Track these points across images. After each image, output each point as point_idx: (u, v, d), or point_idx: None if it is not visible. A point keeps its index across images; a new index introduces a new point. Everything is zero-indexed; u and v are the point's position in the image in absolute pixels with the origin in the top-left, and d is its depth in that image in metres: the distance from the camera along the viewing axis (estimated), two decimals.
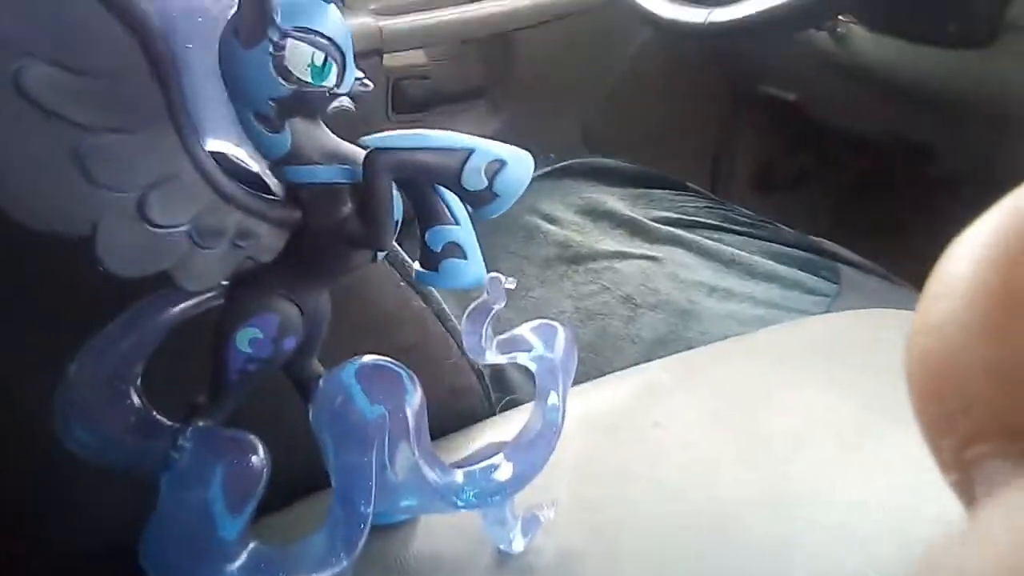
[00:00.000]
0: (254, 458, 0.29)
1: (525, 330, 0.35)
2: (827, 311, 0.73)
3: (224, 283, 0.29)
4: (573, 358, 0.36)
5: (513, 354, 0.34)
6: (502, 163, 0.30)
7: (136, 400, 0.28)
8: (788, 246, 0.81)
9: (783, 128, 1.07)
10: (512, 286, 0.33)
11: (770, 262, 0.78)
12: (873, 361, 0.48)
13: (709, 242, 0.81)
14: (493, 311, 0.33)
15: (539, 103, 0.96)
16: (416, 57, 0.91)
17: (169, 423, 0.29)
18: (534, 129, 0.94)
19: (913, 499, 0.38)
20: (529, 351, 0.35)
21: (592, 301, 0.74)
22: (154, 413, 0.29)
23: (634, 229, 0.82)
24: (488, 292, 0.33)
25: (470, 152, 0.30)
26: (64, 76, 0.24)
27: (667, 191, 0.89)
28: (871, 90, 0.87)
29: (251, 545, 0.30)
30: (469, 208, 0.31)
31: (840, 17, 0.80)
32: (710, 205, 0.87)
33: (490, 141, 0.30)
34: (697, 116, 1.08)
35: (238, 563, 0.29)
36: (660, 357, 0.54)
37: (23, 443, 0.29)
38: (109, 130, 0.25)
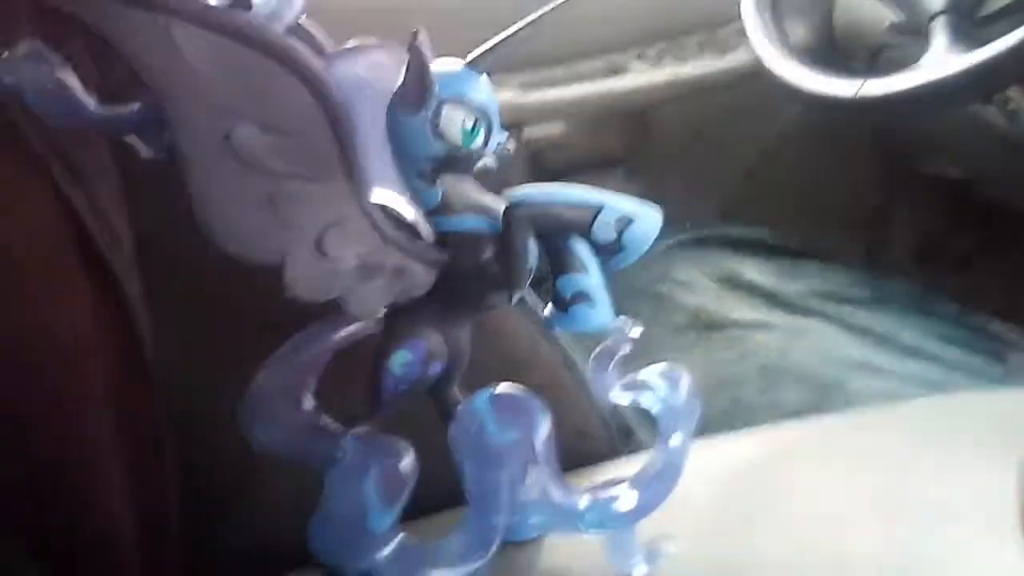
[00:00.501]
0: (405, 461, 0.36)
1: (650, 373, 0.41)
2: None
3: (382, 313, 0.37)
4: (696, 403, 0.41)
5: (637, 394, 0.40)
6: (630, 219, 0.37)
7: (309, 406, 0.36)
8: (949, 324, 0.81)
9: (947, 206, 1.06)
10: (638, 333, 0.39)
11: (928, 340, 0.78)
12: None
13: (859, 317, 0.81)
14: (618, 355, 0.39)
15: (676, 174, 1.01)
16: (555, 128, 1.00)
17: (335, 427, 0.37)
18: (670, 200, 0.99)
19: None
20: (653, 392, 0.40)
21: (726, 371, 0.77)
22: (324, 418, 0.37)
23: (775, 300, 0.84)
24: (614, 337, 0.39)
25: (600, 207, 0.37)
26: (264, 136, 0.31)
27: (814, 263, 0.90)
28: None
29: (400, 536, 0.37)
30: (598, 259, 0.38)
31: (1011, 94, 0.77)
32: (861, 279, 0.88)
33: (620, 197, 0.37)
34: (850, 192, 1.09)
35: (387, 551, 0.36)
36: None
37: (220, 440, 0.37)
38: (296, 179, 0.32)
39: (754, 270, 0.89)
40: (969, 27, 0.71)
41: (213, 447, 0.40)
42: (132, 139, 0.35)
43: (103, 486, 0.41)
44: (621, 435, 0.54)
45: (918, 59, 0.71)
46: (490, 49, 0.36)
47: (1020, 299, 1.03)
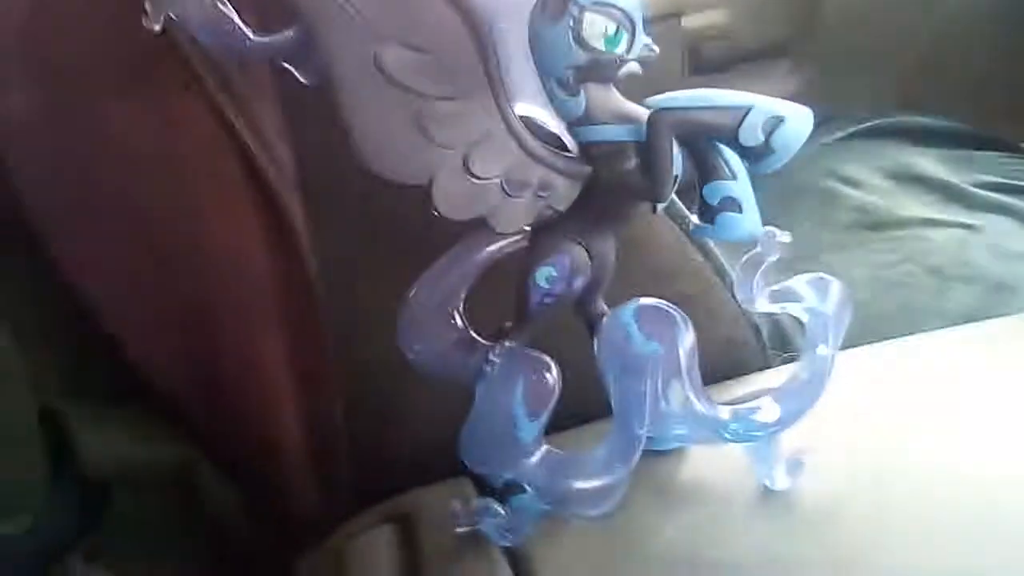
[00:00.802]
0: (549, 374, 0.38)
1: (798, 282, 0.40)
2: None
3: (527, 229, 0.37)
4: (847, 312, 0.40)
5: (784, 304, 0.39)
6: (779, 119, 0.35)
7: (459, 321, 0.38)
8: None
9: None
10: (787, 240, 0.38)
11: None
12: None
13: None
14: (766, 263, 0.38)
15: (848, 60, 0.95)
16: (716, 16, 0.95)
17: (484, 342, 0.38)
18: (841, 88, 0.94)
19: None
20: (801, 302, 0.39)
21: (894, 271, 0.73)
22: (472, 333, 0.38)
23: (949, 195, 0.79)
24: (762, 245, 0.38)
25: (748, 109, 0.35)
26: (410, 54, 0.32)
27: (995, 153, 0.85)
28: None
29: (544, 447, 0.39)
30: (746, 163, 0.36)
31: None
32: None
33: (769, 98, 0.36)
34: None
35: (533, 459, 0.38)
36: None
37: (380, 355, 0.39)
38: (442, 98, 0.33)
39: (929, 162, 0.83)
40: None
41: (376, 361, 0.42)
42: (288, 66, 0.36)
43: (275, 397, 0.45)
44: (777, 344, 0.53)
45: None
46: None
47: None
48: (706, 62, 0.93)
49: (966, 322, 0.68)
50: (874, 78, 0.97)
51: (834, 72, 0.95)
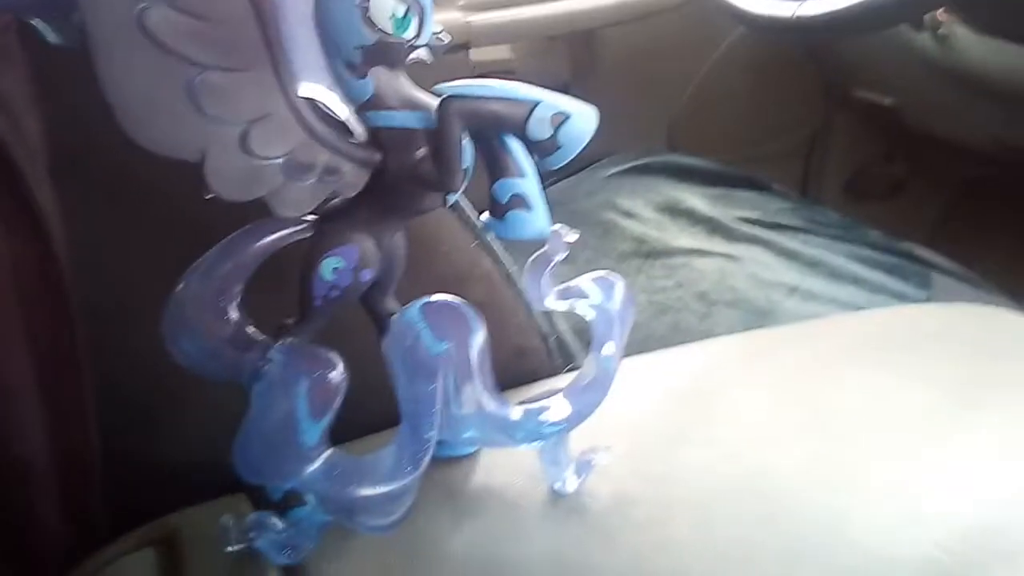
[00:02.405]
0: (334, 372, 0.34)
1: (584, 280, 0.39)
2: None
3: (313, 217, 0.34)
4: (630, 311, 0.40)
5: (571, 301, 0.38)
6: (566, 116, 0.34)
7: (234, 316, 0.34)
8: (877, 250, 0.82)
9: (879, 133, 1.08)
10: (574, 239, 0.37)
11: (857, 265, 0.79)
12: (955, 352, 0.50)
13: (792, 243, 0.82)
14: (553, 262, 0.37)
15: (623, 99, 0.99)
16: (502, 52, 0.96)
17: (262, 338, 0.34)
18: (618, 126, 0.98)
19: (975, 484, 0.40)
20: (587, 299, 0.39)
21: (666, 296, 0.77)
22: (248, 329, 0.34)
23: (713, 227, 0.85)
24: (550, 244, 0.37)
25: (536, 103, 0.34)
26: (180, 18, 0.28)
27: (751, 191, 0.91)
28: (976, 95, 0.86)
29: (327, 451, 0.35)
30: (535, 158, 0.36)
31: (941, 18, 0.79)
32: (796, 207, 0.89)
33: (557, 94, 0.35)
34: (787, 118, 1.09)
35: (315, 465, 0.34)
36: None
37: (141, 355, 0.34)
38: (217, 68, 0.29)
39: (695, 198, 0.88)
40: None
41: (136, 362, 0.37)
42: (37, 23, 0.31)
43: (17, 406, 0.38)
44: (562, 356, 0.53)
45: None
46: None
47: (947, 224, 1.05)
48: None
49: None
50: (646, 119, 1.02)
51: (611, 112, 0.99)
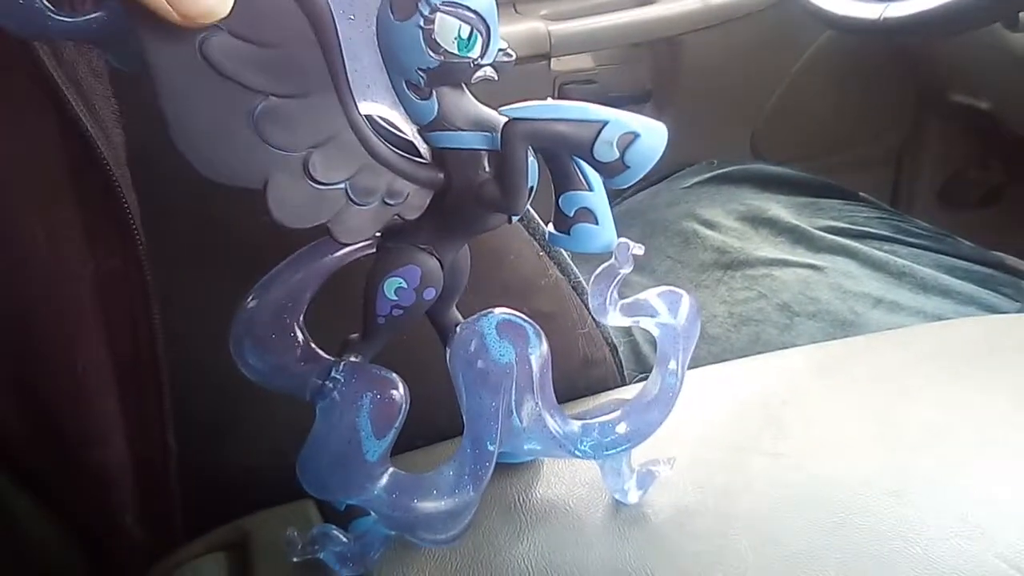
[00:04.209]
0: (396, 392, 0.33)
1: (651, 295, 0.37)
2: None
3: (376, 235, 0.34)
4: (696, 326, 0.38)
5: (637, 318, 0.37)
6: (635, 135, 0.33)
7: (299, 333, 0.33)
8: (968, 260, 0.78)
9: (974, 139, 1.02)
10: (640, 252, 0.35)
11: (946, 276, 0.76)
12: None
13: (879, 253, 0.79)
14: (620, 275, 0.36)
15: (706, 107, 0.97)
16: (583, 61, 0.95)
17: (327, 356, 0.34)
18: (700, 134, 0.95)
19: None
20: (653, 316, 0.37)
21: (747, 307, 0.75)
22: (313, 346, 0.34)
23: (797, 237, 0.82)
24: (616, 257, 0.36)
25: (604, 124, 0.33)
26: (241, 45, 0.27)
27: (836, 200, 0.88)
28: None
29: (390, 470, 0.34)
30: (602, 177, 0.34)
31: None
32: (883, 216, 0.85)
33: (625, 113, 0.33)
34: (877, 123, 1.05)
35: (380, 483, 0.34)
36: None
37: (209, 366, 0.34)
38: (280, 95, 0.28)
39: (778, 207, 0.85)
40: None
41: (209, 373, 0.37)
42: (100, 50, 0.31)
43: (101, 415, 0.39)
44: (632, 363, 0.51)
45: None
46: None
47: None
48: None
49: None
50: (729, 127, 0.99)
51: (694, 120, 0.97)
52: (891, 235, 0.82)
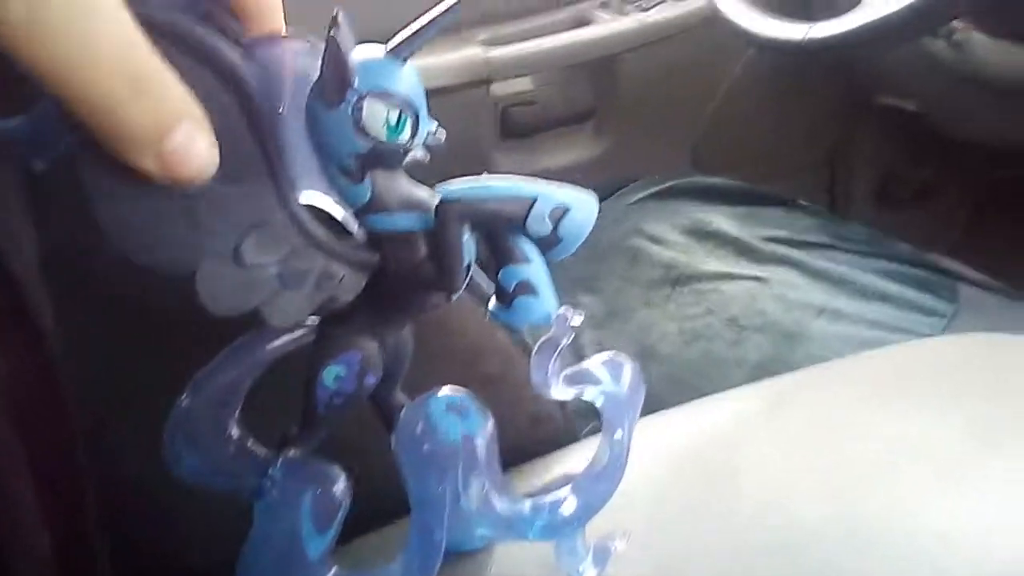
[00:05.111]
0: (337, 486, 0.32)
1: (593, 364, 0.36)
2: (944, 331, 0.70)
3: (313, 322, 0.32)
4: (640, 392, 0.37)
5: (580, 388, 0.36)
6: (565, 209, 0.32)
7: (235, 430, 0.32)
8: (904, 264, 0.79)
9: (904, 140, 1.03)
10: (578, 322, 0.34)
11: (883, 281, 0.76)
12: (978, 387, 0.46)
13: (819, 262, 0.79)
14: (560, 346, 0.34)
15: (647, 123, 0.97)
16: (523, 84, 0.94)
17: (263, 453, 0.32)
18: (641, 150, 0.95)
19: (1006, 532, 0.36)
20: (597, 384, 0.36)
21: (696, 323, 0.74)
22: (250, 443, 0.32)
23: (741, 249, 0.81)
24: (555, 327, 0.34)
25: (534, 199, 0.31)
26: None
27: (776, 208, 0.88)
28: (996, 98, 0.83)
29: (334, 569, 0.33)
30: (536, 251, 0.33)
31: (956, 24, 0.76)
32: (822, 222, 0.86)
33: (555, 187, 0.32)
34: (810, 130, 1.05)
35: None
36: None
37: (137, 471, 0.32)
38: (215, 181, 0.26)
39: (721, 218, 0.85)
40: None
41: (135, 478, 0.35)
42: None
43: (13, 501, 0.37)
44: (582, 411, 0.50)
45: None
46: (414, 34, 0.30)
47: (974, 234, 1.00)
48: (516, 126, 0.91)
49: (761, 369, 0.69)
50: (669, 142, 0.99)
51: (635, 136, 0.96)
52: (830, 242, 0.82)
